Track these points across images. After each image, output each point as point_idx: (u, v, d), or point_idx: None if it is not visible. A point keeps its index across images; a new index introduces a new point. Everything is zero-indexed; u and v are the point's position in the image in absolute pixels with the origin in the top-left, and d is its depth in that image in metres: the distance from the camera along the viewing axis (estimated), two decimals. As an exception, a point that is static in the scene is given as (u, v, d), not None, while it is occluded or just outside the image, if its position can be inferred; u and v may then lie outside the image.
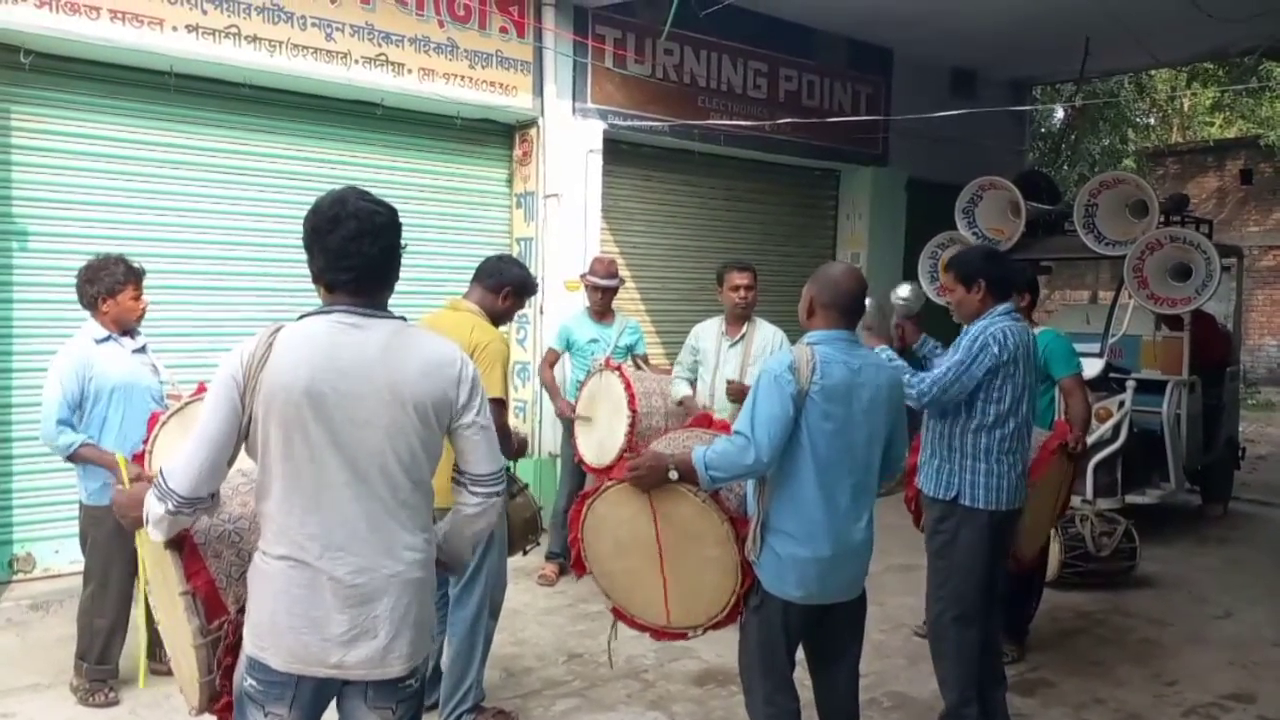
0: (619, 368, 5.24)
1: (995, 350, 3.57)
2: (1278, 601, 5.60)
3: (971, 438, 3.64)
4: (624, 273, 6.34)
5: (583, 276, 6.10)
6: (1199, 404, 7.37)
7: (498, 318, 3.80)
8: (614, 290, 5.90)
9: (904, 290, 4.32)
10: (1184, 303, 6.75)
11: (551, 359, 6.04)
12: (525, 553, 4.16)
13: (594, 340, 5.82)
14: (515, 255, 7.19)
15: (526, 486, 4.20)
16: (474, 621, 3.71)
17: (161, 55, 5.37)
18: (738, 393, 4.82)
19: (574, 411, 5.52)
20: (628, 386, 5.08)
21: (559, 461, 6.34)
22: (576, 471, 5.69)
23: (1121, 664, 4.76)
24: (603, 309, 5.89)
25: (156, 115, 5.68)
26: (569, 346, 5.95)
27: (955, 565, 3.69)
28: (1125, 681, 4.55)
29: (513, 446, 3.71)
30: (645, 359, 5.94)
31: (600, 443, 5.25)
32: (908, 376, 3.52)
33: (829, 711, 3.17)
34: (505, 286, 3.75)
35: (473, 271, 3.88)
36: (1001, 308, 3.72)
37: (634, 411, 5.00)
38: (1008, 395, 3.60)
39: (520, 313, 7.05)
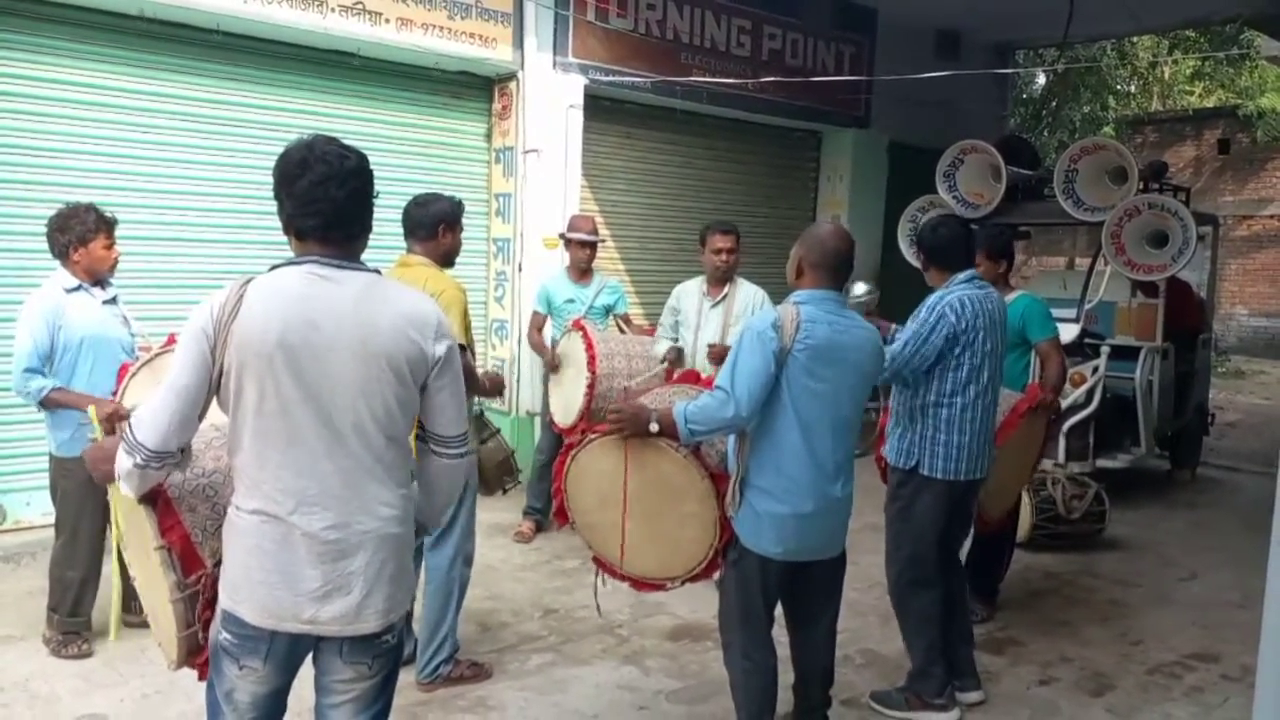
0: (583, 328, 5.23)
1: (953, 319, 3.57)
2: (1242, 564, 5.70)
3: (933, 409, 3.64)
4: (603, 232, 6.30)
5: (562, 234, 6.04)
6: (1171, 371, 7.45)
7: (448, 256, 3.77)
8: (594, 247, 5.85)
9: (858, 289, 4.39)
10: (1160, 270, 6.79)
11: (538, 322, 5.97)
12: (505, 492, 4.23)
13: (570, 300, 5.77)
14: (494, 206, 7.14)
15: (498, 431, 4.20)
16: (449, 569, 3.74)
17: (131, -1, 5.24)
18: (719, 356, 4.81)
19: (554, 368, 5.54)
20: (589, 347, 5.07)
21: (537, 420, 6.32)
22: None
23: (1089, 624, 4.84)
24: (583, 268, 5.83)
25: (126, 61, 5.53)
26: (549, 307, 5.91)
27: (911, 530, 3.72)
28: (1092, 641, 4.62)
29: (483, 386, 3.71)
30: (627, 319, 5.91)
31: (567, 403, 5.27)
32: None
33: (805, 667, 3.22)
34: (437, 225, 3.70)
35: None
36: (962, 276, 3.70)
37: (593, 373, 5.00)
38: (965, 363, 3.60)
39: (499, 270, 7.10)
